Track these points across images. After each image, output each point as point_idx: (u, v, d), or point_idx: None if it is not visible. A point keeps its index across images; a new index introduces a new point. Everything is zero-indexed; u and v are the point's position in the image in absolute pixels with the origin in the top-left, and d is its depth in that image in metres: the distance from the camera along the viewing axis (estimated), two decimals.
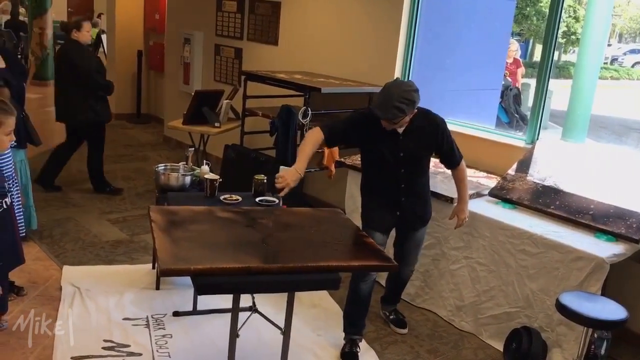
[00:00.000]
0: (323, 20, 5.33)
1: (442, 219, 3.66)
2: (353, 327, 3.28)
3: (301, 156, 3.02)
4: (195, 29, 6.84)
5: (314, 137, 3.10)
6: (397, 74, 4.78)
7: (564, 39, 17.39)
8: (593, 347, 2.98)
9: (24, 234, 3.76)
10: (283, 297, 2.77)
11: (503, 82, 7.58)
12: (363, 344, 3.33)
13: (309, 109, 4.43)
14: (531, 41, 19.78)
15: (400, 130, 3.07)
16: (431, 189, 3.69)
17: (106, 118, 5.34)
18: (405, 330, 3.57)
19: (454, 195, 3.60)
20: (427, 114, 3.15)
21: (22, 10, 13.59)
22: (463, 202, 3.33)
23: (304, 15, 5.51)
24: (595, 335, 2.97)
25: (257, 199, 3.42)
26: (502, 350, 3.34)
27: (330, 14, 5.27)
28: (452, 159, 3.25)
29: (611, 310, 2.78)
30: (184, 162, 3.97)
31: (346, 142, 3.36)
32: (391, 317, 3.64)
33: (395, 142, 3.09)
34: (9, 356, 2.93)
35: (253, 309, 3.16)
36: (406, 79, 4.79)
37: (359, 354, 3.24)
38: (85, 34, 5.16)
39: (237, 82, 6.08)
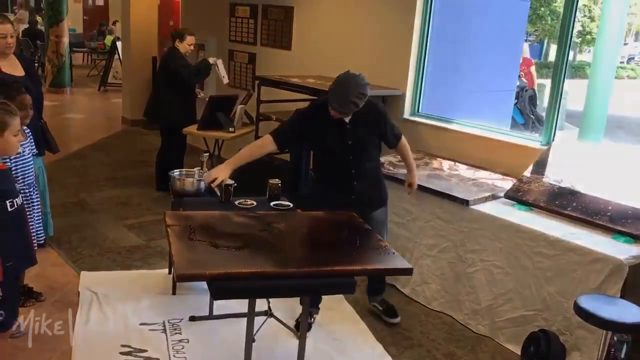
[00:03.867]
0: (336, 24, 5.34)
1: (457, 222, 3.64)
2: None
3: (236, 157, 3.27)
4: (209, 34, 6.88)
5: (260, 142, 3.36)
6: (411, 76, 4.77)
7: (579, 39, 17.24)
8: (613, 350, 2.94)
9: (42, 241, 3.80)
10: (298, 301, 2.77)
11: (518, 83, 7.53)
12: (380, 349, 3.32)
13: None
14: (546, 41, 19.64)
15: (347, 119, 3.25)
16: (445, 191, 3.70)
17: (183, 121, 5.55)
18: (397, 319, 3.62)
19: (470, 197, 3.59)
20: (368, 103, 3.29)
21: (39, 18, 13.78)
22: (413, 171, 3.63)
23: (317, 20, 5.52)
24: (615, 339, 2.93)
25: (271, 204, 3.42)
26: (519, 353, 3.31)
27: (343, 17, 5.28)
28: (394, 140, 3.48)
29: (631, 313, 2.74)
30: (199, 167, 3.99)
31: (298, 141, 3.61)
32: (381, 308, 3.69)
33: (342, 131, 3.27)
34: None
35: (269, 313, 3.17)
36: (420, 81, 4.79)
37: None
38: (186, 46, 5.54)
39: (251, 87, 6.11)
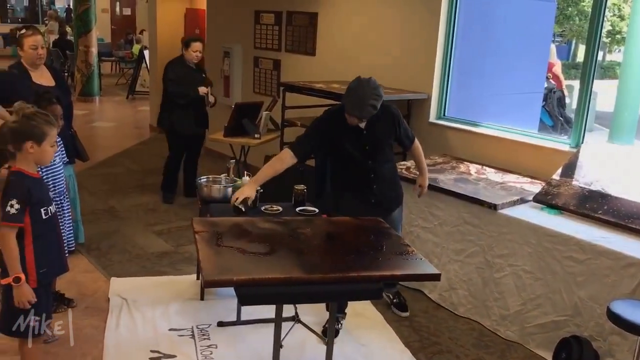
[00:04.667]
0: (360, 28, 5.34)
1: (485, 226, 3.60)
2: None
3: (260, 175, 3.27)
4: (234, 42, 6.95)
5: (280, 157, 3.32)
6: (436, 79, 4.75)
7: (609, 39, 16.93)
8: None
9: (73, 248, 3.87)
10: (325, 306, 2.77)
11: (546, 85, 7.43)
12: (408, 355, 3.30)
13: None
14: (574, 42, 19.34)
15: (362, 125, 3.28)
16: (473, 195, 3.66)
17: (179, 129, 5.57)
18: (406, 314, 3.74)
19: (498, 201, 3.55)
20: (382, 106, 3.30)
21: (68, 29, 14.07)
22: (425, 174, 3.64)
23: (341, 25, 5.53)
24: None
25: (297, 209, 3.43)
26: None
27: (367, 22, 5.28)
28: (408, 142, 3.52)
29: None
30: (226, 174, 4.02)
31: (317, 151, 3.60)
32: (394, 300, 3.81)
33: (359, 136, 3.31)
34: None
35: (296, 319, 3.17)
36: (445, 84, 4.76)
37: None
38: (192, 53, 5.46)
39: (275, 93, 6.14)
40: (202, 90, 5.43)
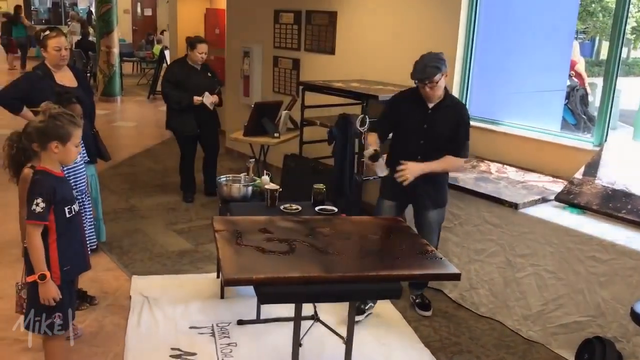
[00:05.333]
0: (379, 26, 5.32)
1: (506, 225, 3.57)
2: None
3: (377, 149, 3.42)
4: (254, 42, 6.97)
5: (371, 139, 3.52)
6: (457, 77, 4.71)
7: (633, 35, 16.67)
8: None
9: (95, 246, 3.92)
10: (345, 306, 2.77)
11: (569, 83, 7.33)
12: (427, 354, 3.29)
13: (367, 117, 4.40)
14: (597, 39, 19.07)
15: (430, 105, 3.43)
16: (494, 194, 3.63)
17: (179, 131, 5.62)
18: (428, 313, 3.74)
19: (519, 200, 3.52)
20: (458, 103, 3.53)
21: (90, 30, 14.25)
22: (428, 164, 3.45)
23: (360, 24, 5.52)
24: None
25: (316, 208, 3.43)
26: None
27: (386, 20, 5.26)
28: (457, 150, 3.47)
29: None
30: (245, 173, 4.04)
31: (393, 127, 3.63)
32: (417, 300, 3.80)
33: (423, 114, 3.45)
34: None
35: (315, 318, 3.17)
36: (466, 82, 4.72)
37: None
38: (197, 55, 5.43)
39: (295, 92, 6.15)
40: (197, 99, 5.36)
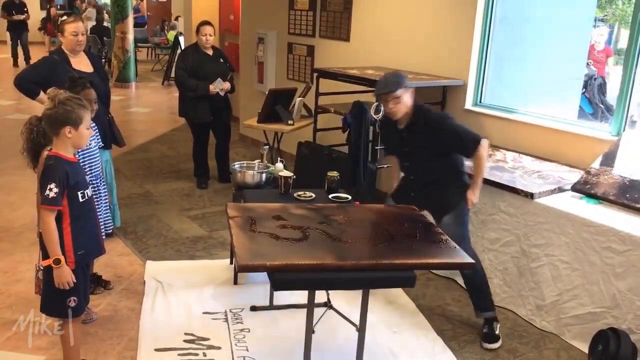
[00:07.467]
0: (395, 13, 5.28)
1: (521, 215, 3.54)
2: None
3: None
4: (269, 28, 6.94)
5: (394, 172, 3.70)
6: (473, 65, 4.67)
7: None
8: None
9: (110, 231, 3.95)
10: (358, 293, 2.77)
11: (586, 72, 7.23)
12: (440, 343, 3.28)
13: (381, 105, 4.40)
14: (616, 26, 18.78)
15: (402, 126, 3.36)
16: (509, 183, 3.60)
17: (192, 118, 5.64)
18: (493, 345, 3.29)
19: (535, 190, 3.49)
20: (426, 113, 3.34)
21: (106, 15, 14.29)
22: (474, 187, 3.34)
23: (376, 10, 5.47)
24: None
25: (330, 196, 3.43)
26: (587, 352, 3.20)
27: (402, 6, 5.21)
28: (464, 151, 3.34)
29: None
30: (259, 160, 4.04)
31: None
32: (484, 330, 3.38)
33: (400, 138, 3.40)
34: (98, 346, 3.10)
35: (328, 305, 3.18)
36: (482, 71, 4.68)
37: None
38: (202, 38, 5.44)
39: (309, 79, 6.13)
40: (212, 89, 5.38)
